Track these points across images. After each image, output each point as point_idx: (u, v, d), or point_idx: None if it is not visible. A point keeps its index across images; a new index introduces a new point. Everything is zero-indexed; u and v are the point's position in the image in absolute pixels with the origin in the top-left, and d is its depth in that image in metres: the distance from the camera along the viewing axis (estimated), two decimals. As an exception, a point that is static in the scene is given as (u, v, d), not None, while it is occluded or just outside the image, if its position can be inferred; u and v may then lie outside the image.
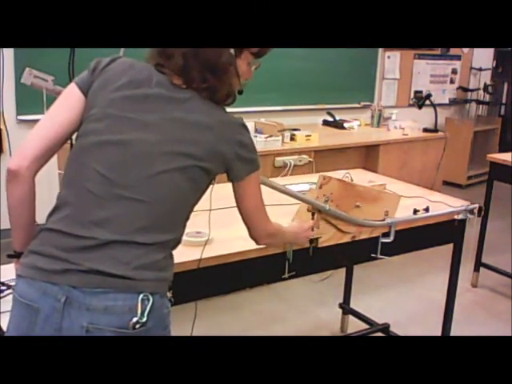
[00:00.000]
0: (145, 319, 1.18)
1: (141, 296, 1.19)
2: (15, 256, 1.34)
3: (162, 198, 1.25)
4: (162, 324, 1.25)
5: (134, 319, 1.17)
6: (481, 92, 6.62)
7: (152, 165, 1.24)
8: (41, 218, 1.33)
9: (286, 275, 1.84)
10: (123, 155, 1.25)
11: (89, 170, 1.25)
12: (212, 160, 1.30)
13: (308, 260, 1.84)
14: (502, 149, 5.99)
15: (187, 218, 1.34)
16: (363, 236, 1.98)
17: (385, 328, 2.89)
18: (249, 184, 1.38)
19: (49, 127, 1.29)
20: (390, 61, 5.86)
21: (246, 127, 1.35)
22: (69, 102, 1.32)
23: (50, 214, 1.28)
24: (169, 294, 1.28)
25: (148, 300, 1.19)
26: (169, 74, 1.30)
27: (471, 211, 2.30)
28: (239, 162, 1.33)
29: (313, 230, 1.79)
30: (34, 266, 1.21)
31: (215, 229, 1.68)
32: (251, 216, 1.44)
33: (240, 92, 1.38)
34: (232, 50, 1.31)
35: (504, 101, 6.95)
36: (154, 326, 1.21)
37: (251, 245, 1.76)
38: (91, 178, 1.24)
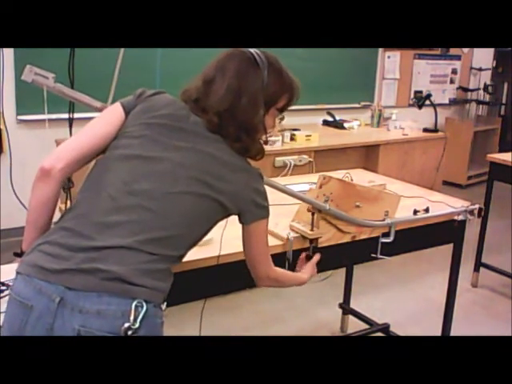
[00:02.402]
0: (137, 325, 1.17)
1: (135, 302, 1.19)
2: (20, 255, 1.34)
3: (178, 215, 1.29)
4: (155, 333, 1.24)
5: (126, 325, 1.17)
6: (481, 92, 6.62)
7: (175, 184, 1.30)
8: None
9: (286, 275, 1.84)
10: (150, 169, 1.30)
11: (113, 177, 1.30)
12: (230, 199, 1.36)
13: (308, 260, 1.84)
14: (502, 149, 5.99)
15: (195, 243, 1.38)
16: (363, 236, 1.98)
17: (385, 328, 2.89)
18: (258, 228, 1.45)
19: (88, 137, 1.35)
20: (389, 61, 5.86)
21: (262, 177, 1.45)
22: (111, 118, 1.39)
23: (64, 213, 1.30)
24: (163, 307, 1.28)
25: (142, 307, 1.19)
26: (205, 119, 1.37)
27: (471, 212, 2.30)
28: (253, 207, 1.41)
29: (313, 251, 1.83)
30: (34, 264, 1.22)
31: (215, 229, 1.68)
32: (256, 259, 1.50)
33: (265, 142, 1.47)
34: (262, 110, 1.39)
35: (504, 101, 6.95)
36: (147, 334, 1.20)
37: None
38: (114, 184, 1.28)
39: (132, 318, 1.17)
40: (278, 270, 1.59)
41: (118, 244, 1.22)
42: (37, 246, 1.26)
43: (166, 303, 1.29)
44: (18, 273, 1.25)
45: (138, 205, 1.26)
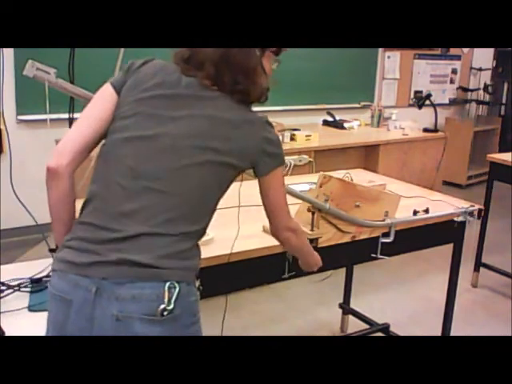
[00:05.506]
0: (172, 306, 1.21)
1: (167, 284, 1.22)
2: (55, 250, 1.37)
3: (188, 190, 1.28)
4: (190, 311, 1.28)
5: (162, 306, 1.20)
6: (481, 92, 6.62)
7: (178, 158, 1.28)
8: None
9: (286, 275, 1.84)
10: (151, 149, 1.29)
11: (118, 164, 1.30)
12: (238, 156, 1.33)
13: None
14: (502, 149, 5.99)
15: (213, 210, 1.37)
16: (363, 236, 1.98)
17: (385, 328, 2.89)
18: (274, 178, 1.41)
19: (85, 126, 1.34)
20: (389, 61, 5.87)
21: (270, 124, 1.39)
22: (103, 100, 1.37)
23: (82, 208, 1.32)
24: (197, 283, 1.31)
25: (174, 288, 1.22)
26: (199, 77, 1.34)
27: (471, 213, 2.30)
28: (266, 157, 1.37)
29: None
30: (65, 260, 1.26)
31: (215, 229, 1.68)
32: (274, 209, 1.46)
33: (267, 89, 1.41)
34: (257, 51, 1.36)
35: (504, 101, 6.95)
36: (182, 313, 1.24)
37: (251, 245, 1.76)
38: (120, 172, 1.29)
39: (166, 299, 1.21)
40: (297, 223, 1.56)
41: (138, 232, 1.23)
42: (65, 243, 1.29)
43: (199, 279, 1.32)
44: (53, 270, 1.29)
45: (147, 188, 1.26)
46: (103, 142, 1.36)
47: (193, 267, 1.30)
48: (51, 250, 1.42)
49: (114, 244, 1.23)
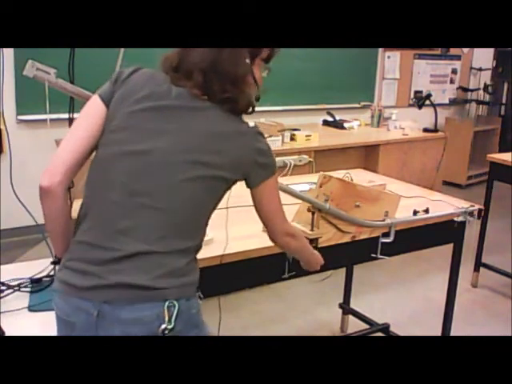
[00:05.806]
0: (172, 325, 1.21)
1: (166, 303, 1.22)
2: (57, 262, 1.37)
3: (181, 206, 1.27)
4: (192, 324, 1.29)
5: (163, 326, 1.21)
6: (481, 92, 6.62)
7: (171, 174, 1.27)
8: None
9: (286, 275, 1.84)
10: (144, 165, 1.27)
11: (111, 180, 1.28)
12: (231, 169, 1.32)
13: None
14: (502, 149, 5.99)
15: (206, 224, 1.36)
16: (363, 236, 1.98)
17: (385, 328, 2.89)
18: (266, 188, 1.39)
19: (75, 140, 1.32)
20: (390, 61, 5.87)
21: (261, 134, 1.38)
22: (92, 114, 1.34)
23: (77, 224, 1.31)
24: (198, 293, 1.31)
25: (174, 306, 1.22)
26: (188, 87, 1.32)
27: (471, 213, 2.30)
28: (258, 169, 1.36)
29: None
30: (66, 282, 1.26)
31: (215, 229, 1.68)
32: (269, 218, 1.45)
33: (257, 99, 1.39)
34: (247, 59, 1.33)
35: (504, 101, 6.95)
36: (184, 328, 1.25)
37: (251, 245, 1.76)
38: (114, 188, 1.27)
39: (166, 318, 1.21)
40: (295, 226, 1.55)
41: (135, 250, 1.23)
42: (65, 263, 1.29)
43: (200, 290, 1.32)
44: (54, 290, 1.29)
45: (141, 204, 1.25)
46: (94, 154, 1.34)
47: (190, 282, 1.29)
48: (53, 263, 1.43)
49: (112, 265, 1.23)
